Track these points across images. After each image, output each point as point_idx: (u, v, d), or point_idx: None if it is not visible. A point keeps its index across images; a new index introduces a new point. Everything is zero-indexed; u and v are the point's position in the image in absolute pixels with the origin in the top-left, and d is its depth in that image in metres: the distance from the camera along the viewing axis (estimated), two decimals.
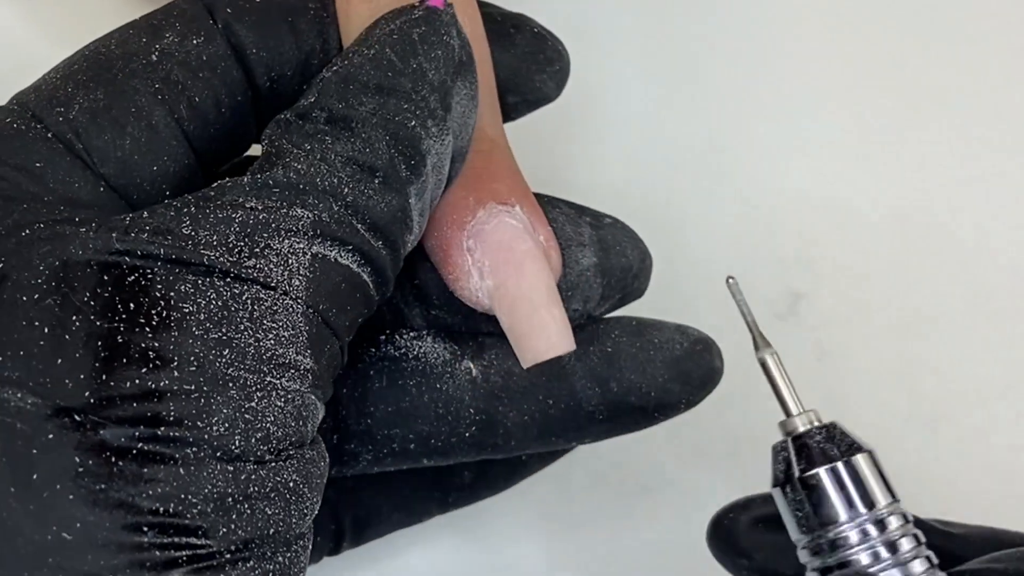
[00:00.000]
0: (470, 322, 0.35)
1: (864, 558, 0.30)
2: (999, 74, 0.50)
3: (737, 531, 0.35)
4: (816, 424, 0.31)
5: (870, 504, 0.30)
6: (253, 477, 0.27)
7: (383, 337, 0.35)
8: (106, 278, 0.27)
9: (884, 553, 0.30)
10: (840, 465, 0.31)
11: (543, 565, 0.44)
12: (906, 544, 0.30)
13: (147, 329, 0.26)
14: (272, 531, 0.27)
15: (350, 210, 0.29)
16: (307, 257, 0.28)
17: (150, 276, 0.27)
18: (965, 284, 0.47)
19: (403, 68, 0.30)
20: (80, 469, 0.25)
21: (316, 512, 0.29)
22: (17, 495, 0.25)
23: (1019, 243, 0.48)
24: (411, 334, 0.35)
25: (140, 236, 0.27)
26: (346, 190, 0.29)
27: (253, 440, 0.27)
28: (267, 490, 0.27)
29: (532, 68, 0.36)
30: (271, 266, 0.27)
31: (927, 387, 0.46)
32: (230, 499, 0.26)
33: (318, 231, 0.28)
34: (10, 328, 0.26)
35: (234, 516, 0.26)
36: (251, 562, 0.27)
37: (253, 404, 0.27)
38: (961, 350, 0.47)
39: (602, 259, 0.35)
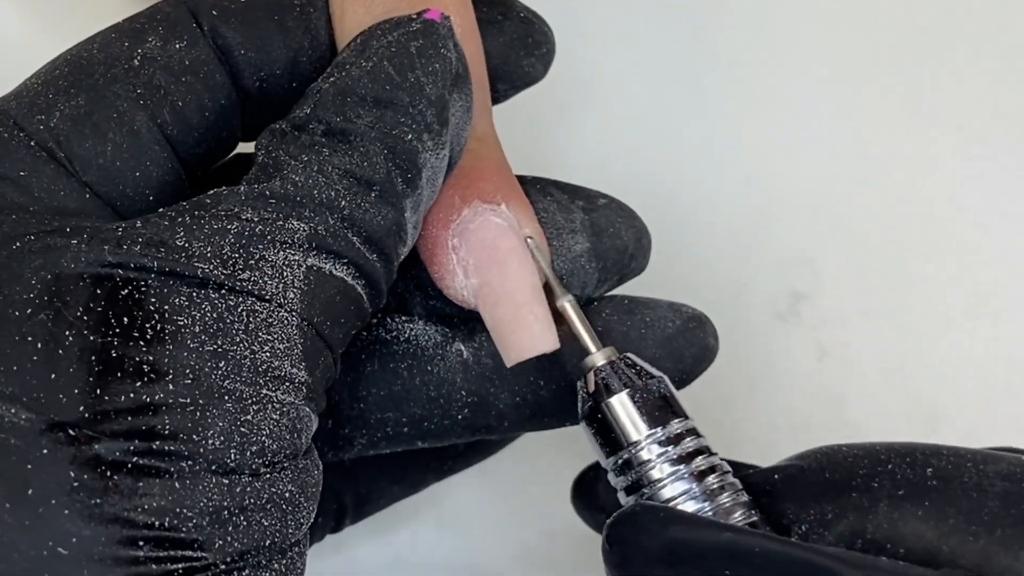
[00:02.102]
0: (466, 311, 0.34)
1: (657, 472, 0.32)
2: (999, 74, 0.50)
3: (597, 488, 0.37)
4: (611, 360, 0.33)
5: (660, 423, 0.32)
6: (248, 490, 0.27)
7: (375, 320, 0.35)
8: (99, 291, 0.27)
9: (677, 465, 0.32)
10: (625, 393, 0.32)
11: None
12: (698, 456, 0.32)
13: (141, 342, 0.26)
14: (268, 542, 0.27)
15: (346, 223, 0.29)
16: (302, 270, 0.28)
17: (144, 289, 0.27)
18: (965, 284, 0.47)
19: (401, 82, 0.30)
20: (75, 484, 0.25)
21: (312, 519, 0.29)
22: (12, 511, 0.25)
23: (1019, 243, 0.48)
24: (403, 317, 0.35)
25: (133, 248, 0.27)
26: (343, 203, 0.29)
27: (248, 453, 0.27)
28: (263, 502, 0.27)
29: (520, 54, 0.36)
30: (266, 278, 0.28)
31: (927, 387, 0.46)
32: (226, 512, 0.26)
33: (313, 244, 0.28)
34: (3, 343, 0.26)
35: (230, 528, 0.26)
36: (246, 571, 0.27)
37: (248, 417, 0.27)
38: (961, 350, 0.47)
39: (595, 243, 0.35)
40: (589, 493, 0.37)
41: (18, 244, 0.28)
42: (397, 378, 0.34)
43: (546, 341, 0.32)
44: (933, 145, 0.49)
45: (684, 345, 0.35)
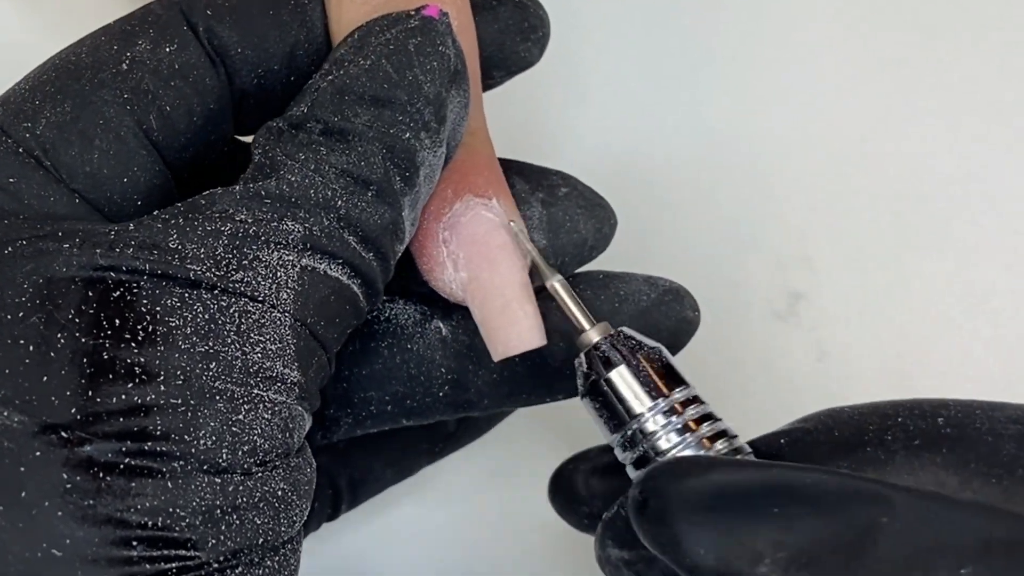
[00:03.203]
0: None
1: (664, 442, 0.32)
2: (998, 73, 0.50)
3: (576, 481, 0.37)
4: (607, 335, 0.33)
5: (662, 393, 0.32)
6: (241, 488, 0.27)
7: None
8: (90, 294, 0.27)
9: (684, 433, 0.32)
10: (624, 366, 0.32)
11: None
12: (704, 423, 0.32)
13: (133, 344, 0.27)
14: (261, 540, 0.28)
15: (342, 223, 0.29)
16: (296, 270, 0.28)
17: (135, 291, 0.27)
18: (964, 283, 0.48)
19: (399, 80, 0.30)
20: (68, 486, 0.26)
21: (305, 516, 0.30)
22: (5, 513, 0.26)
23: (1019, 243, 0.48)
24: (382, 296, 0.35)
25: (125, 251, 0.27)
26: (339, 202, 0.29)
27: (240, 453, 0.27)
28: (255, 500, 0.28)
29: (516, 39, 0.36)
30: (259, 279, 0.28)
31: (927, 387, 0.46)
32: (218, 511, 0.27)
33: (308, 244, 0.29)
34: None
35: (223, 527, 0.27)
36: (239, 569, 0.27)
37: (240, 417, 0.27)
38: (961, 350, 0.47)
39: (552, 240, 0.35)
40: (568, 487, 0.38)
41: (10, 249, 0.28)
42: (378, 357, 0.35)
43: (534, 337, 0.33)
44: (932, 144, 0.49)
45: (660, 318, 0.36)
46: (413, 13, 0.31)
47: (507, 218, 0.34)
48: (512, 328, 0.33)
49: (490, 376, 0.35)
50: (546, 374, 0.35)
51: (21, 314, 0.27)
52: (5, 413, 0.26)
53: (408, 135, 0.30)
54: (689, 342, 0.37)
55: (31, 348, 0.27)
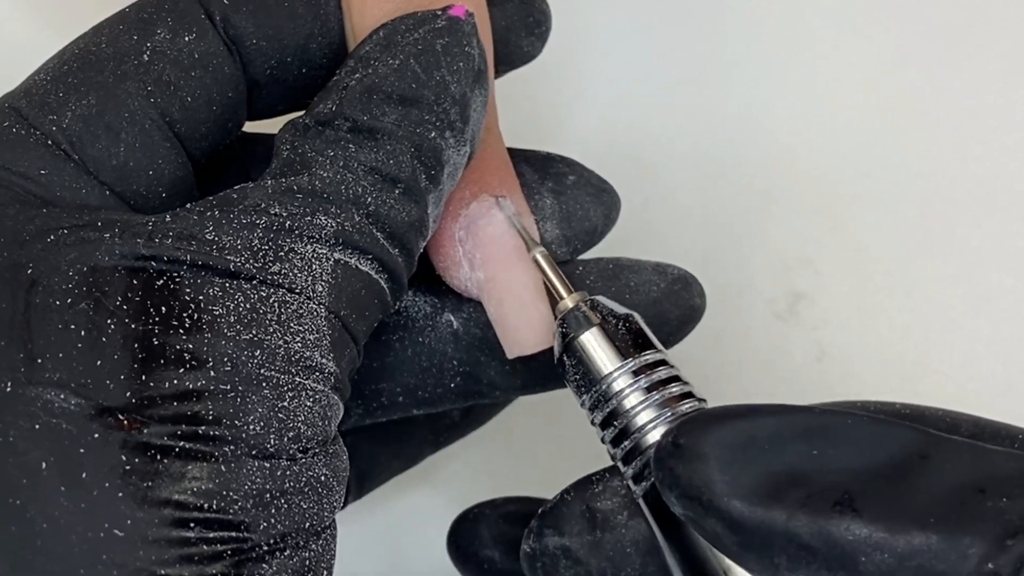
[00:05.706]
0: None
1: (629, 401, 0.33)
2: (999, 74, 0.51)
3: (481, 525, 0.39)
4: (581, 302, 0.34)
5: (630, 356, 0.33)
6: (288, 473, 0.28)
7: None
8: (135, 282, 0.28)
9: (649, 392, 0.33)
10: (596, 328, 0.34)
11: None
12: (671, 383, 0.33)
13: (180, 331, 0.28)
14: (307, 524, 0.29)
15: (371, 219, 0.30)
16: (329, 263, 0.30)
17: (178, 280, 0.28)
18: (965, 284, 0.48)
19: (427, 80, 0.31)
20: (127, 467, 0.27)
21: (342, 502, 0.31)
22: (67, 494, 0.27)
23: (1019, 243, 0.49)
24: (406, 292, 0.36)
25: (164, 241, 0.28)
26: (368, 199, 0.30)
27: (286, 439, 0.28)
28: (301, 485, 0.29)
29: (521, 34, 0.37)
30: (295, 271, 0.29)
31: (927, 387, 0.47)
32: (268, 495, 0.28)
33: (340, 239, 0.30)
34: (47, 331, 0.28)
35: (272, 511, 0.28)
36: (287, 551, 0.28)
37: (285, 403, 0.28)
38: (961, 350, 0.48)
39: (565, 229, 0.37)
40: (473, 532, 0.39)
41: (52, 237, 0.29)
42: (389, 349, 0.36)
43: (548, 337, 0.35)
44: (934, 145, 0.50)
45: (670, 308, 0.37)
46: (440, 13, 0.32)
47: (520, 218, 0.35)
48: (528, 328, 0.34)
49: (502, 368, 0.36)
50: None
51: (69, 300, 0.28)
52: (62, 396, 0.27)
53: (434, 134, 0.31)
54: (692, 331, 0.38)
55: (82, 333, 0.27)
